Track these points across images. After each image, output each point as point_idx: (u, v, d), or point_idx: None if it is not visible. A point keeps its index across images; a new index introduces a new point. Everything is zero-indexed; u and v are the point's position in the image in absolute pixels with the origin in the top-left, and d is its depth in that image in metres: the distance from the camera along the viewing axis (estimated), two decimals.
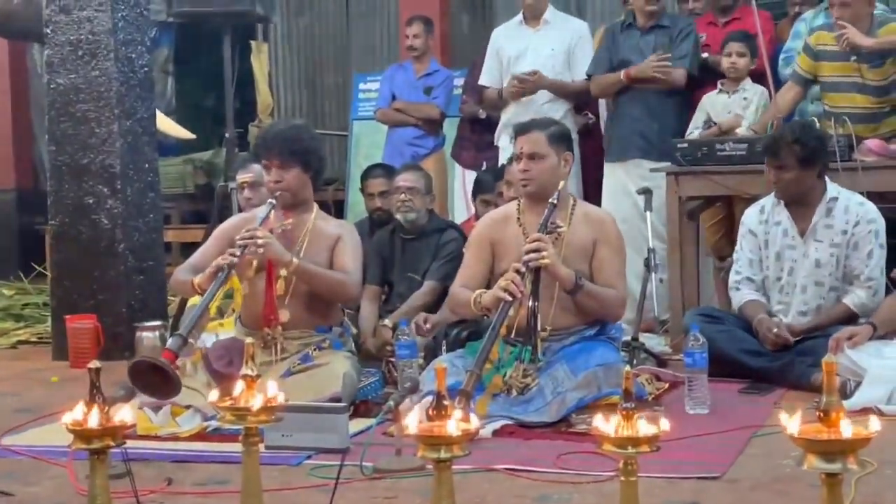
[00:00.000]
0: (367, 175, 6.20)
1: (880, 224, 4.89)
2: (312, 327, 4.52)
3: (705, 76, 6.42)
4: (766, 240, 5.04)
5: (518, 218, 4.52)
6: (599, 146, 6.70)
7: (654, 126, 6.26)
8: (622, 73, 6.25)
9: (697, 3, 6.94)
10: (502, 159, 6.43)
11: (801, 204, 4.93)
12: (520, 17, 6.81)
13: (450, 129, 7.80)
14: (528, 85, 6.47)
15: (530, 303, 4.22)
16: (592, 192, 6.49)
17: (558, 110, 6.50)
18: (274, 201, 4.47)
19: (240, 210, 5.84)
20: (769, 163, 4.90)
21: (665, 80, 6.20)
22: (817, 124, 5.40)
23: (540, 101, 6.55)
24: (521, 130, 4.56)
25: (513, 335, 4.31)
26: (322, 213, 4.68)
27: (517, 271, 4.16)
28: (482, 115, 7.18)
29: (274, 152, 4.49)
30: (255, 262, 4.38)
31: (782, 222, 4.99)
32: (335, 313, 4.65)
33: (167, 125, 10.04)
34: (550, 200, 4.31)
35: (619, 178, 6.34)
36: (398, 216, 5.61)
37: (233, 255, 4.24)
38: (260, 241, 4.25)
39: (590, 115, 6.86)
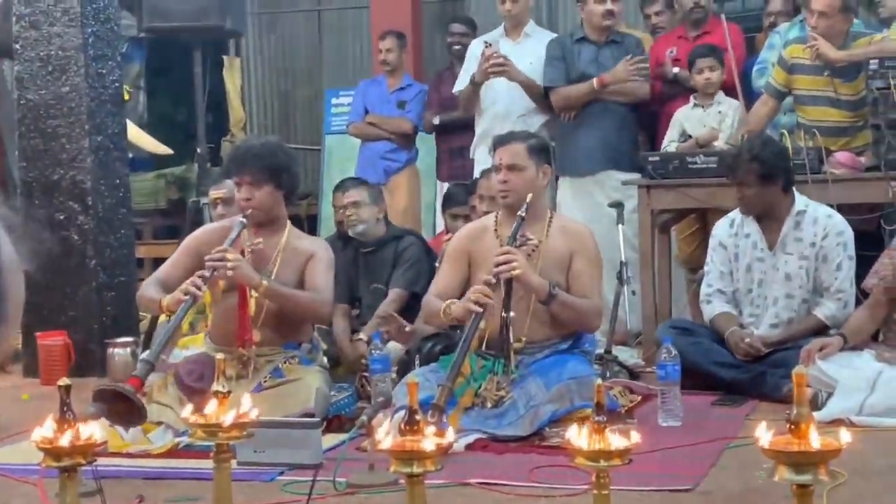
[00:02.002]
0: (334, 189, 6.25)
1: (848, 236, 4.92)
2: (281, 345, 4.50)
3: (675, 91, 6.45)
4: (737, 253, 5.06)
5: (495, 230, 4.52)
6: None
7: (624, 137, 6.29)
8: (595, 81, 6.26)
9: (660, 18, 6.98)
10: (478, 172, 6.42)
11: (769, 217, 4.97)
12: (501, 29, 6.82)
13: (422, 143, 7.80)
14: (500, 63, 6.41)
15: (503, 314, 4.22)
16: None
17: (534, 124, 6.50)
18: (245, 220, 4.43)
19: None
20: (731, 180, 4.94)
21: (632, 93, 6.23)
22: (787, 137, 5.43)
23: (515, 114, 6.56)
24: (500, 142, 4.55)
25: (484, 347, 4.31)
26: (296, 230, 4.63)
27: (487, 283, 4.16)
28: (436, 121, 7.22)
29: (245, 169, 4.44)
30: (221, 282, 4.34)
31: (752, 235, 5.02)
32: (305, 330, 4.63)
33: (143, 140, 10.01)
34: (519, 213, 4.31)
35: (590, 192, 6.35)
36: (349, 231, 5.63)
37: (202, 276, 4.19)
38: (230, 264, 4.21)
39: None
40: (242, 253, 4.36)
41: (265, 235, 4.50)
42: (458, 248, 4.58)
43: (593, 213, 6.15)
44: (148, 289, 4.47)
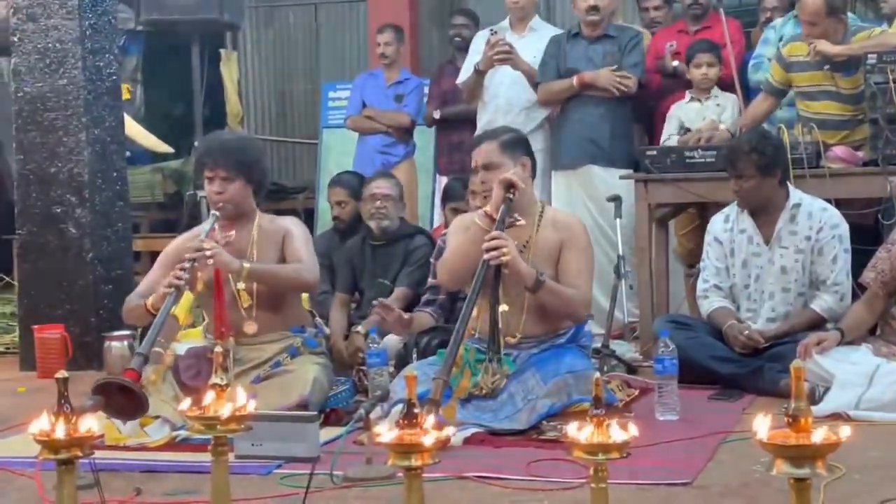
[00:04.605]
0: (329, 184, 6.24)
1: (843, 229, 4.94)
2: (287, 329, 4.52)
3: (675, 84, 6.45)
4: (732, 248, 5.07)
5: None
6: None
7: (605, 132, 6.28)
8: (574, 79, 6.26)
9: (658, 13, 6.97)
10: None
11: (764, 211, 4.98)
12: (506, 22, 6.82)
13: (419, 137, 7.81)
14: (505, 51, 6.41)
15: (490, 304, 4.22)
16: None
17: (536, 117, 6.52)
18: (217, 213, 4.45)
19: None
20: (729, 173, 4.95)
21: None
22: (784, 131, 5.43)
23: (518, 107, 6.56)
24: (475, 143, 4.60)
25: (477, 334, 4.30)
26: (266, 215, 4.65)
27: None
28: (437, 115, 7.26)
29: (219, 163, 4.47)
30: (199, 276, 4.33)
31: (747, 230, 5.02)
32: (303, 313, 4.66)
33: (146, 139, 10.01)
34: (506, 195, 4.29)
35: (571, 186, 6.36)
36: (371, 223, 5.60)
37: (182, 269, 4.20)
38: (208, 253, 4.22)
39: None
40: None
41: (238, 227, 4.52)
42: (461, 228, 4.57)
43: (574, 209, 6.14)
44: (131, 302, 4.50)
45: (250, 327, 4.44)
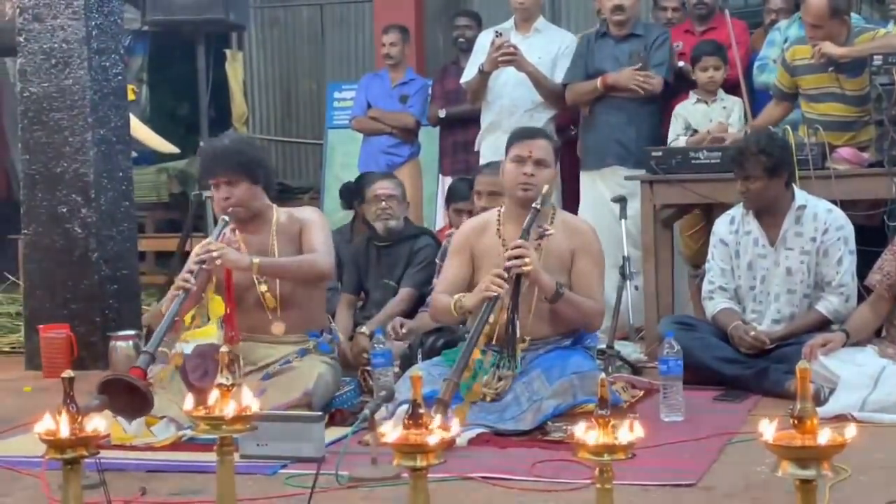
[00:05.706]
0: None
1: (849, 230, 4.93)
2: (305, 331, 4.55)
3: (679, 84, 6.45)
4: (738, 249, 5.06)
5: (498, 229, 4.50)
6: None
7: (631, 133, 6.27)
8: (598, 81, 6.26)
9: (676, 13, 6.97)
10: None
11: (770, 213, 4.97)
12: (511, 22, 6.82)
13: (424, 137, 7.81)
14: (510, 52, 6.40)
15: (509, 311, 4.22)
16: (571, 203, 6.49)
17: (540, 118, 6.51)
18: (227, 218, 4.46)
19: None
20: (737, 174, 4.95)
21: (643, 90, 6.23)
22: (790, 133, 5.44)
23: (522, 108, 6.55)
24: (528, 135, 4.53)
25: (493, 341, 4.30)
26: (283, 210, 4.67)
27: (499, 276, 4.15)
28: (442, 114, 7.26)
29: (220, 169, 4.49)
30: (214, 279, 4.35)
31: (752, 232, 5.02)
32: (324, 317, 4.70)
33: (152, 140, 10.02)
34: (533, 205, 4.28)
35: (596, 187, 6.35)
36: (377, 224, 5.62)
37: (190, 271, 4.24)
38: (215, 253, 4.24)
39: (573, 127, 6.84)
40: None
41: (254, 229, 4.55)
42: (462, 243, 4.56)
43: (598, 209, 6.15)
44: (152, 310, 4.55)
45: (278, 328, 4.49)
